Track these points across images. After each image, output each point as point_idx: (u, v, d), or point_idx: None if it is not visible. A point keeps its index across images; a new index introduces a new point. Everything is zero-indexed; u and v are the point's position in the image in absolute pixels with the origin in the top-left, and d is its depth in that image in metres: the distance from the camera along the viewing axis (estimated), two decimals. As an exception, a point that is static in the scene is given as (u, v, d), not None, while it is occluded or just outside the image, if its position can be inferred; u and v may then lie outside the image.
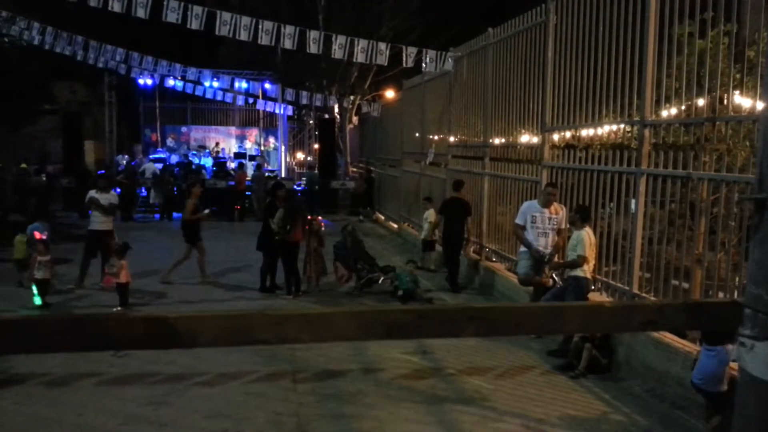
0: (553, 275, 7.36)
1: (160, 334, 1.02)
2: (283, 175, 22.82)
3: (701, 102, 5.63)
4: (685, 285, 5.93)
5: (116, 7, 10.71)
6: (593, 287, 6.82)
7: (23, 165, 18.59)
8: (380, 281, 9.63)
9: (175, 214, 17.92)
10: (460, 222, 9.93)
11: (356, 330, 1.09)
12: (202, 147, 25.97)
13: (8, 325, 0.98)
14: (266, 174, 20.62)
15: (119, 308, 8.31)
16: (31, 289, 8.38)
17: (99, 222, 9.58)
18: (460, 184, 10.32)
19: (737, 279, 5.67)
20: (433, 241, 11.50)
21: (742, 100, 5.70)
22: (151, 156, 24.37)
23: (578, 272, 6.51)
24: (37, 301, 8.32)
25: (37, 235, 8.92)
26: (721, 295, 5.60)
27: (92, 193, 9.71)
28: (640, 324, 1.21)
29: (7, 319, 0.99)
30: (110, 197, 9.81)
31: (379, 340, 1.13)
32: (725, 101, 5.64)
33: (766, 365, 1.12)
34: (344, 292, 9.49)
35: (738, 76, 5.52)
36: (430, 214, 11.56)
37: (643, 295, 6.19)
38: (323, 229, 10.05)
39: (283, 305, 8.86)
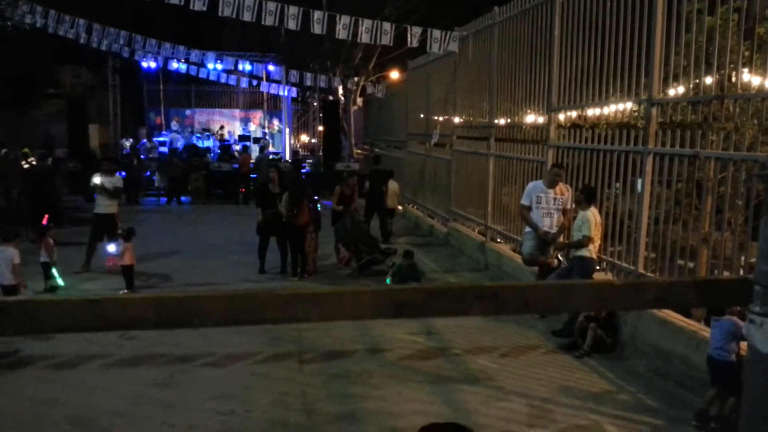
0: (558, 255, 7.36)
1: (169, 314, 1.02)
2: (287, 158, 22.80)
3: (709, 80, 5.57)
4: (691, 264, 5.92)
5: (118, -11, 10.64)
6: (598, 267, 6.82)
7: (25, 150, 18.56)
8: (383, 263, 9.63)
9: (183, 198, 18.00)
10: (380, 186, 12.87)
11: (365, 309, 1.08)
12: (206, 130, 25.95)
13: (26, 306, 0.98)
14: (269, 156, 20.60)
15: (125, 291, 8.36)
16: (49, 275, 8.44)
17: (104, 205, 9.60)
18: (378, 159, 15.23)
19: (743, 258, 5.65)
20: (394, 209, 13.40)
21: (752, 78, 5.64)
22: (155, 139, 24.37)
23: (583, 252, 6.50)
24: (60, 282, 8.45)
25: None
26: (726, 274, 5.58)
27: (96, 176, 9.72)
28: (649, 301, 1.21)
29: (18, 301, 0.99)
30: (115, 180, 9.82)
31: (387, 319, 1.12)
32: (734, 79, 5.58)
33: (775, 342, 1.12)
34: (345, 274, 9.55)
35: (747, 53, 5.46)
36: (393, 187, 13.23)
37: (649, 274, 6.18)
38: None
39: (289, 287, 8.91)
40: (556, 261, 7.31)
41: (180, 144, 23.28)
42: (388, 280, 9.02)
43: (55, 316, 0.98)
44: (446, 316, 1.10)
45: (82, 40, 16.68)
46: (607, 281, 1.18)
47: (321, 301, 1.07)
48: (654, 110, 6.14)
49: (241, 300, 1.04)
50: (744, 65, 5.42)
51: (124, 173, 15.47)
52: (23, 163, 16.32)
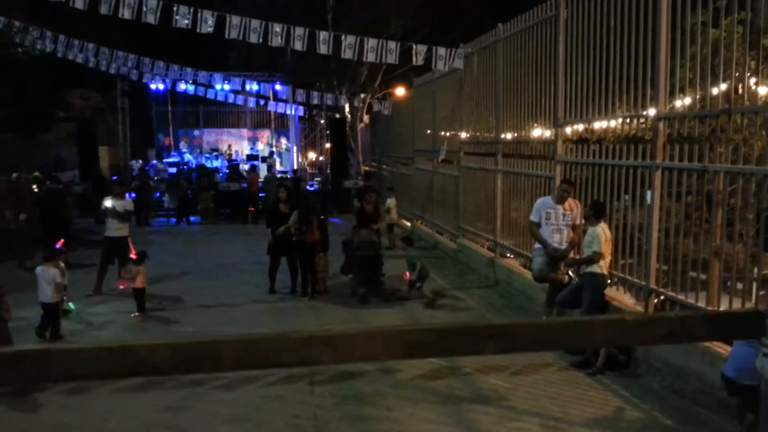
0: (569, 272, 7.32)
1: (184, 360, 1.03)
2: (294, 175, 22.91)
3: (716, 91, 5.57)
4: (703, 276, 5.87)
5: (126, 14, 10.78)
6: (609, 282, 6.78)
7: (36, 173, 18.69)
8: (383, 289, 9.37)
9: (192, 218, 18.09)
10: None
11: (377, 350, 1.09)
12: (215, 150, 26.15)
13: (41, 355, 1.00)
14: (278, 175, 20.71)
15: (137, 314, 8.40)
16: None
17: (115, 228, 9.67)
18: (369, 175, 16.25)
19: (755, 270, 5.61)
20: (394, 224, 13.84)
21: (758, 89, 5.63)
22: (165, 160, 24.58)
23: (594, 268, 6.47)
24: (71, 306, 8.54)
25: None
26: (739, 286, 5.54)
27: (107, 200, 9.80)
28: (661, 337, 1.20)
29: (35, 350, 1.00)
30: (125, 203, 9.90)
31: (400, 359, 1.13)
32: (740, 90, 5.57)
33: (789, 375, 1.11)
34: (355, 299, 9.20)
35: (753, 63, 5.45)
36: (392, 202, 13.65)
37: (660, 290, 6.14)
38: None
39: (299, 308, 8.91)
40: (566, 277, 7.27)
41: (192, 163, 23.53)
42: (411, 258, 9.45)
43: (71, 365, 0.99)
44: (459, 355, 1.11)
45: (91, 64, 16.91)
46: (620, 318, 1.17)
47: (332, 344, 1.08)
48: (661, 124, 6.13)
49: (255, 344, 1.05)
50: (750, 76, 5.41)
51: (133, 195, 15.58)
52: (34, 187, 16.45)
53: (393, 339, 1.09)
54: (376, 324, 7.93)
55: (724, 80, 5.47)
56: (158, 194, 19.90)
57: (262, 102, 24.05)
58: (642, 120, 6.65)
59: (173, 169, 22.47)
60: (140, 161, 24.11)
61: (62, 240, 9.14)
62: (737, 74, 5.43)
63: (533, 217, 7.46)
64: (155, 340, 1.02)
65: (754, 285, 5.48)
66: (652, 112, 6.32)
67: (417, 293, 9.21)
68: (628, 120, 6.85)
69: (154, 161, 24.60)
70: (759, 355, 1.18)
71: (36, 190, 16.11)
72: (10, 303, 6.56)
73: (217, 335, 1.11)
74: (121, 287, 9.27)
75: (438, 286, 9.68)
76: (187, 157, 24.92)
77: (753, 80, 5.54)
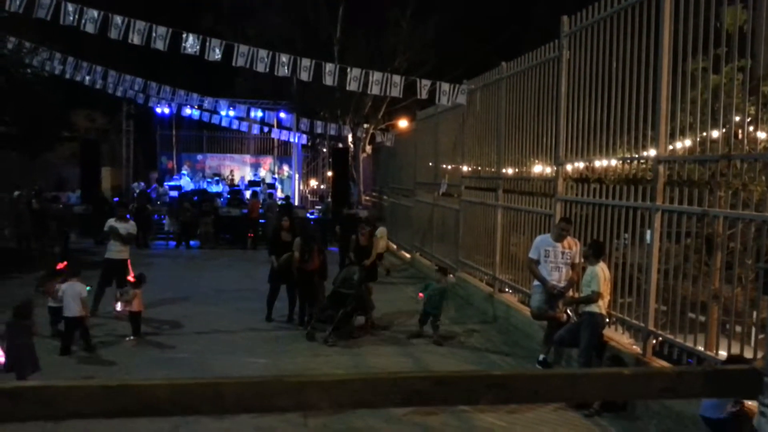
0: (567, 310, 7.30)
1: (184, 400, 1.03)
2: (296, 203, 23.01)
3: (716, 134, 5.63)
4: (702, 318, 5.86)
5: (136, 40, 10.95)
6: (608, 321, 6.76)
7: (35, 188, 18.71)
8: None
9: (192, 242, 18.09)
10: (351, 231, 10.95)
11: (373, 397, 1.09)
12: (216, 175, 26.28)
13: (36, 393, 1.00)
14: (278, 201, 20.77)
15: (132, 337, 8.35)
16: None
17: (116, 251, 9.66)
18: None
19: (754, 314, 5.59)
20: (382, 252, 13.59)
21: (758, 134, 5.69)
22: (166, 183, 24.67)
23: (593, 308, 6.46)
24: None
25: None
26: (738, 329, 5.52)
27: (111, 221, 9.80)
28: (658, 391, 1.21)
29: (33, 387, 1.00)
30: (128, 226, 9.90)
31: (397, 407, 1.13)
32: (740, 136, 5.63)
33: (786, 435, 1.11)
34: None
35: (752, 109, 5.52)
36: (381, 231, 13.59)
37: (659, 332, 6.11)
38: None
39: (295, 337, 8.84)
40: (565, 315, 7.24)
41: (184, 188, 23.62)
42: (426, 292, 8.87)
43: (70, 403, 0.99)
44: (456, 405, 1.10)
45: (98, 86, 17.08)
46: (617, 371, 1.18)
47: (329, 389, 1.08)
48: (661, 167, 6.18)
49: (252, 387, 1.05)
50: (750, 123, 5.48)
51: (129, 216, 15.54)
52: (33, 201, 16.43)
53: (390, 386, 1.09)
54: (372, 360, 7.88)
55: (723, 125, 5.53)
56: (156, 216, 19.91)
57: (266, 129, 24.25)
58: (642, 161, 6.71)
59: (174, 193, 22.55)
60: (142, 183, 24.21)
61: (65, 263, 9.14)
62: (737, 119, 5.49)
63: (532, 255, 7.47)
64: (154, 380, 1.02)
65: (753, 330, 5.47)
66: (652, 153, 6.37)
67: (432, 332, 8.75)
68: (628, 161, 6.90)
69: (155, 184, 24.69)
70: (757, 415, 1.18)
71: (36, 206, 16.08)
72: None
73: (217, 377, 1.11)
74: (118, 310, 9.23)
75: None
76: (184, 181, 24.96)
77: (752, 128, 5.60)
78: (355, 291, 8.76)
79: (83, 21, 10.72)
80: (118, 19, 10.76)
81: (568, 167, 8.18)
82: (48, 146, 20.02)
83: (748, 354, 5.12)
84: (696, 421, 5.19)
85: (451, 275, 11.57)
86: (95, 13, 10.75)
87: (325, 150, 26.66)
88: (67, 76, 15.74)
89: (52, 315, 8.30)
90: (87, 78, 16.33)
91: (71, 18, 10.78)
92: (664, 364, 6.09)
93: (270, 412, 1.08)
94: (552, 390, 1.13)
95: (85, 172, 20.48)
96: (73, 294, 7.59)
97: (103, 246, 10.14)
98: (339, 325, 8.53)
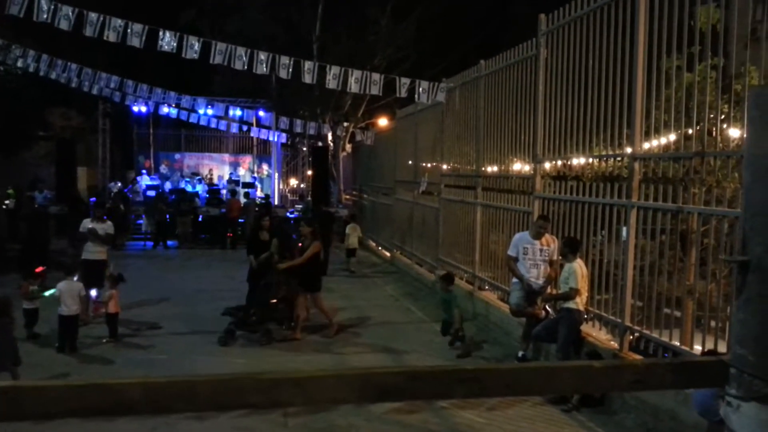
0: (546, 306, 7.37)
1: (157, 398, 1.02)
2: (275, 202, 22.89)
3: (690, 131, 5.72)
4: (677, 314, 5.95)
5: (111, 37, 10.78)
6: (586, 317, 6.83)
7: (9, 191, 18.41)
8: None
9: (169, 242, 17.90)
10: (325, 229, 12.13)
11: (348, 392, 1.09)
12: (195, 174, 26.03)
13: (9, 392, 0.98)
14: (257, 200, 20.64)
15: (109, 339, 8.24)
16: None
17: (95, 251, 9.51)
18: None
19: (728, 309, 5.69)
20: (354, 249, 14.60)
21: (731, 131, 5.79)
22: (140, 180, 24.38)
23: (570, 304, 6.53)
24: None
25: None
26: (713, 324, 5.62)
27: (87, 222, 9.66)
28: (628, 383, 1.23)
29: (7, 387, 0.99)
30: (106, 227, 9.75)
31: (371, 403, 1.13)
32: (714, 133, 5.73)
33: (751, 425, 1.13)
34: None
35: (726, 108, 5.62)
36: (351, 228, 14.38)
37: (635, 327, 6.19)
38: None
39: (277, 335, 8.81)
40: (543, 312, 7.31)
41: (167, 187, 23.34)
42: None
43: (39, 402, 0.97)
44: (429, 399, 1.11)
45: (73, 84, 16.82)
46: (588, 364, 1.20)
47: (303, 385, 1.08)
48: (636, 164, 6.25)
49: (225, 384, 1.04)
50: (723, 120, 5.57)
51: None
52: (7, 202, 16.15)
53: (364, 382, 1.09)
54: (355, 359, 7.88)
55: (697, 123, 5.62)
56: (133, 216, 19.66)
57: (245, 128, 24.08)
58: (618, 159, 6.79)
59: (151, 192, 22.29)
60: (119, 183, 23.89)
61: (42, 267, 9.02)
62: (711, 117, 5.58)
63: (511, 252, 7.52)
64: (127, 378, 1.02)
65: (727, 324, 5.57)
66: (628, 150, 6.45)
67: (460, 342, 8.39)
68: (604, 158, 6.98)
69: (131, 185, 24.39)
70: (723, 404, 1.21)
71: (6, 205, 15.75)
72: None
73: (190, 375, 1.10)
74: (95, 312, 9.11)
75: (417, 318, 9.65)
76: (161, 179, 24.63)
77: (725, 125, 5.71)
78: (257, 297, 8.70)
79: (57, 18, 10.54)
80: (93, 16, 10.59)
81: (546, 165, 8.25)
82: (24, 145, 19.70)
83: (722, 348, 5.21)
84: (673, 415, 5.27)
85: (433, 273, 11.59)
86: (70, 9, 10.58)
87: (304, 149, 26.57)
88: (42, 73, 15.47)
89: (27, 317, 8.18)
90: (62, 76, 16.08)
91: (45, 15, 10.59)
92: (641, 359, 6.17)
93: (244, 408, 1.08)
94: (525, 384, 1.14)
95: (60, 171, 20.14)
96: (72, 292, 7.68)
97: (77, 247, 9.98)
98: (254, 329, 8.54)
